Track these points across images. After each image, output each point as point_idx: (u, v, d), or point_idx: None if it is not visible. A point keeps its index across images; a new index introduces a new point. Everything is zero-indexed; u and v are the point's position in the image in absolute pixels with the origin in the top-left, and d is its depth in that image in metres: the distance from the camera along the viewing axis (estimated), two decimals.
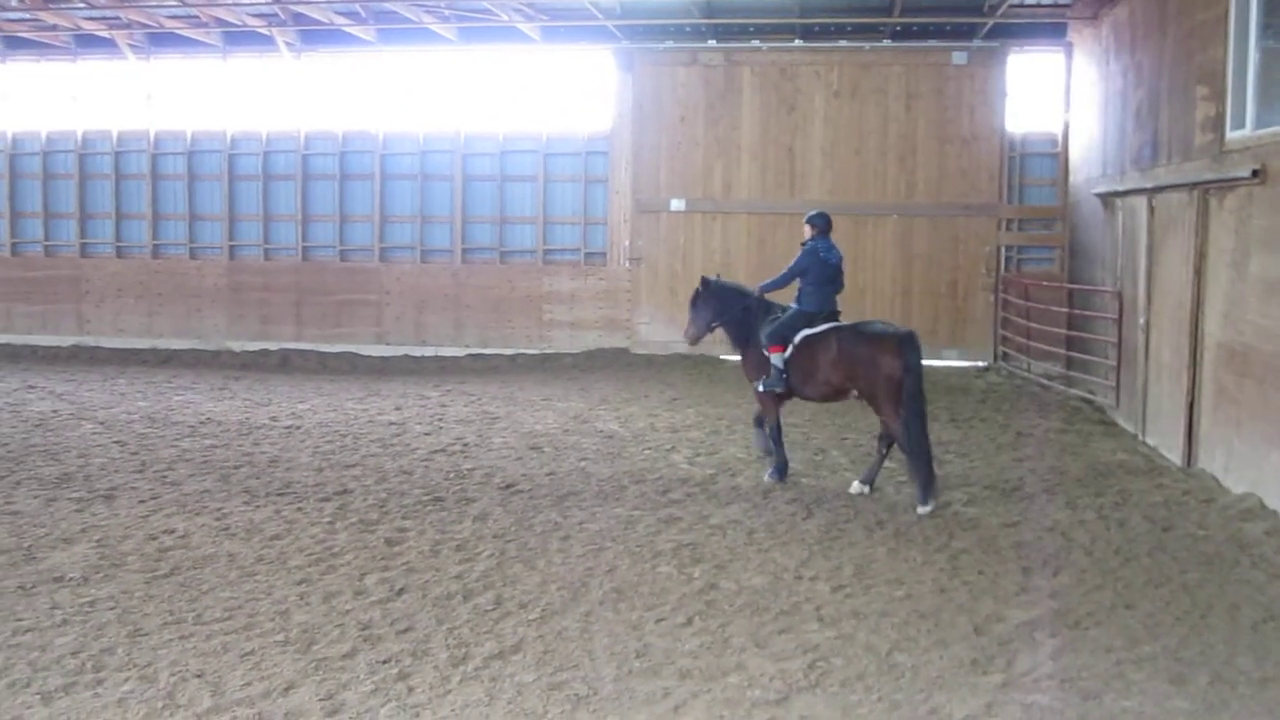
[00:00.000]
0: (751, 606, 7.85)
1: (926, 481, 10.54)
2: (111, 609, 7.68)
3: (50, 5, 19.27)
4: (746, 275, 19.83)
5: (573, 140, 20.87)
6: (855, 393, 11.20)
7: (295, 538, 9.37)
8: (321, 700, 6.25)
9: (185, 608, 7.69)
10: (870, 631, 7.40)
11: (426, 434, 13.88)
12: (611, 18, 19.33)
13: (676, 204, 20.23)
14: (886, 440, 11.15)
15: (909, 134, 19.91)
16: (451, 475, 11.67)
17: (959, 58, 19.73)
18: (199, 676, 6.55)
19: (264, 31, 20.46)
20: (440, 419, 14.89)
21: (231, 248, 21.87)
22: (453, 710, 6.16)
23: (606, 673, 6.67)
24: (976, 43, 19.56)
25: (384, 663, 6.76)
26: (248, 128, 21.87)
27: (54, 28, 20.89)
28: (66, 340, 22.12)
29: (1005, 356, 19.47)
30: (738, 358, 12.74)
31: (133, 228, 22.36)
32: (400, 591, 8.05)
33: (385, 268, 21.38)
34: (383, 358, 20.55)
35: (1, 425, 14.36)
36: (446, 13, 19.41)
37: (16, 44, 22.13)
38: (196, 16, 20.01)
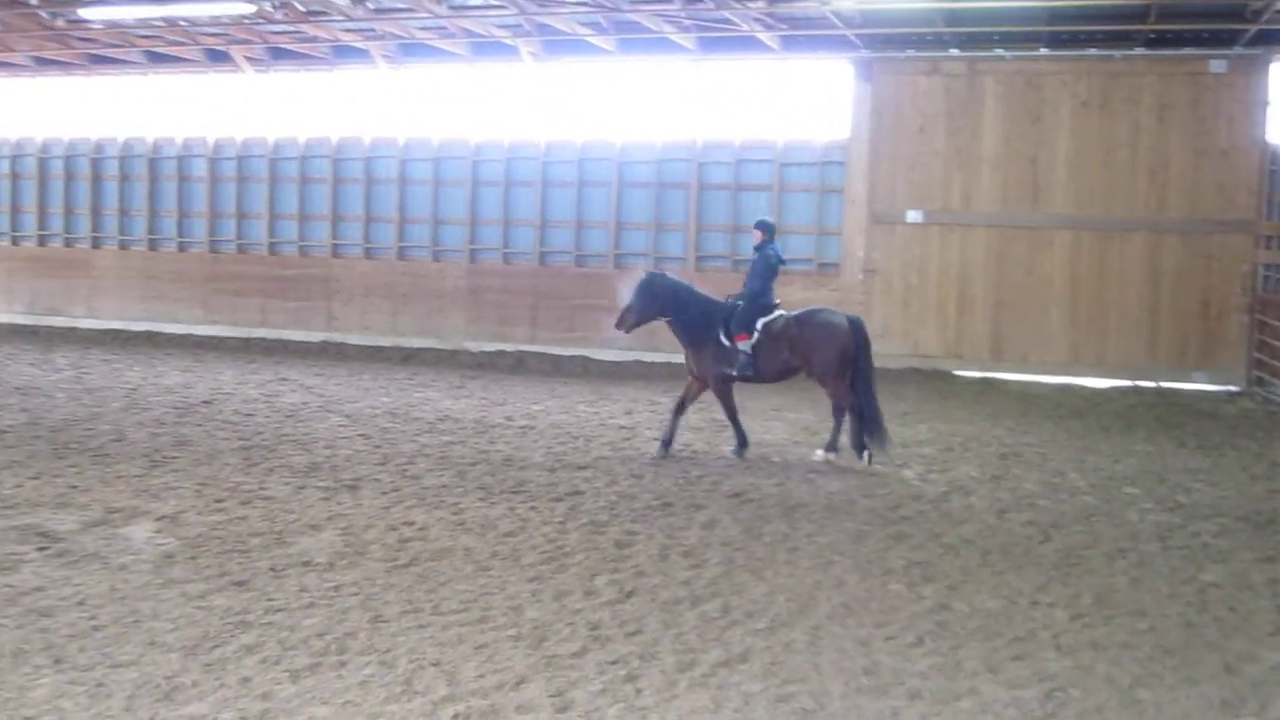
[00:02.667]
0: (985, 630, 7.62)
1: (878, 437, 12.49)
2: (355, 595, 7.98)
3: (311, 18, 20.26)
4: (985, 289, 19.51)
5: (809, 150, 20.77)
6: (805, 371, 13.02)
7: (528, 535, 9.58)
8: (551, 696, 6.35)
9: (423, 598, 7.94)
10: (1111, 664, 7.09)
11: (656, 439, 13.99)
12: (852, 27, 19.16)
13: (913, 215, 19.90)
14: (839, 411, 12.88)
15: (1160, 146, 19.10)
16: (680, 481, 11.73)
17: (1218, 66, 18.83)
18: (435, 665, 6.74)
19: (508, 42, 21.03)
20: None
21: (472, 251, 22.56)
22: (679, 715, 6.17)
23: (834, 688, 6.58)
24: (1237, 50, 18.63)
25: (613, 663, 6.83)
26: (491, 135, 22.53)
27: (314, 39, 21.95)
28: (316, 336, 23.19)
29: (1260, 381, 18.45)
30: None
31: (381, 230, 23.31)
32: (629, 594, 8.12)
33: (620, 274, 21.64)
34: (614, 362, 20.85)
35: (257, 415, 15.15)
36: (686, 22, 19.57)
37: (280, 54, 23.33)
38: (446, 27, 20.72)
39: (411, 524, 9.85)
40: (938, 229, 19.87)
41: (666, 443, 13.00)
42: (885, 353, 19.70)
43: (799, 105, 21.00)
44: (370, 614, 7.58)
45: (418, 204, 23.05)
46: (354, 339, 22.89)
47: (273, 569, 8.52)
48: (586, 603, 7.91)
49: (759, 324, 12.88)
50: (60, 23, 21.33)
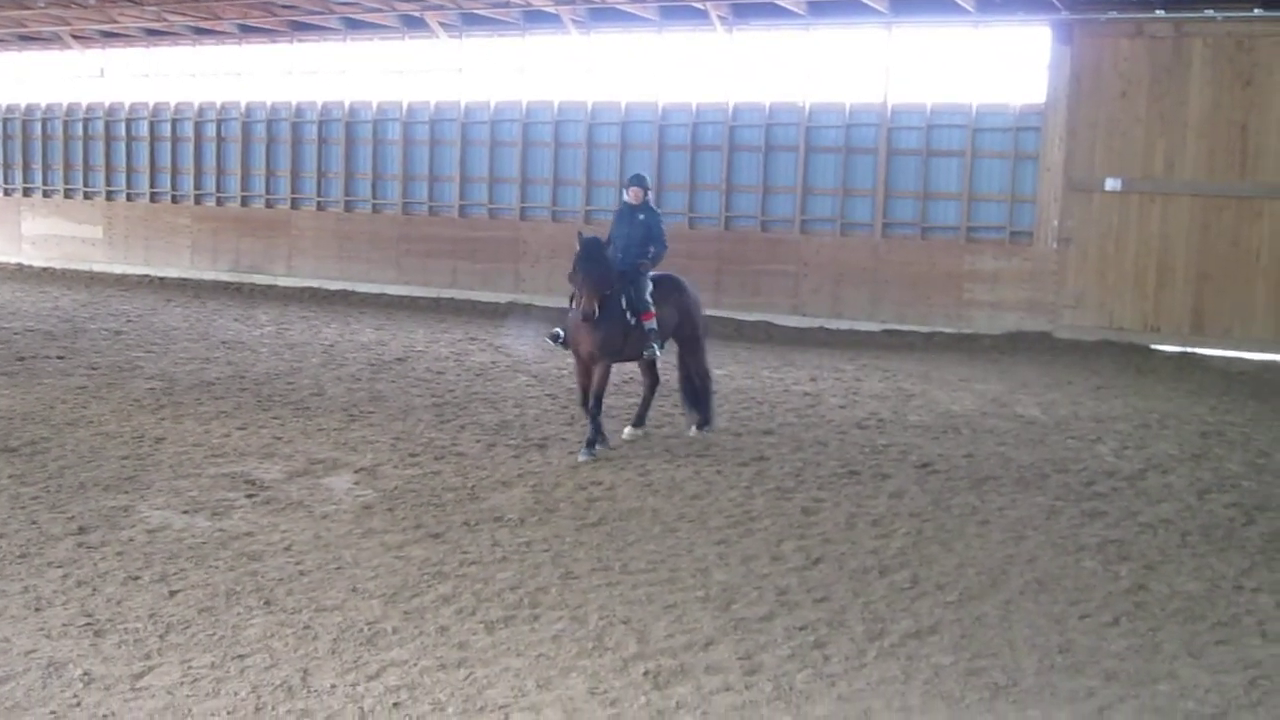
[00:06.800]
0: (1185, 613, 7.39)
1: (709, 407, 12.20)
2: (545, 551, 8.17)
3: None
4: (1187, 261, 18.72)
5: (1003, 115, 20.18)
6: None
7: (714, 499, 9.63)
8: (740, 659, 6.39)
9: (612, 556, 8.08)
10: None
11: (841, 407, 13.90)
12: None
13: (1112, 183, 19.19)
14: (655, 385, 12.19)
15: None
16: (867, 450, 11.63)
17: None
18: (625, 623, 6.86)
19: (699, 5, 20.98)
20: (855, 393, 14.87)
21: None
22: (868, 684, 6.15)
23: (1027, 665, 6.47)
24: None
25: (801, 629, 6.84)
26: (677, 100, 22.54)
27: (506, 4, 22.23)
28: (504, 297, 23.61)
29: None
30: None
31: (568, 193, 23.57)
32: (816, 561, 8.11)
33: (805, 240, 21.50)
34: (798, 329, 20.73)
35: (448, 373, 15.55)
36: None
37: (472, 20, 23.72)
38: None
39: (599, 484, 10.01)
40: (1138, 197, 19.13)
41: (592, 443, 11.10)
42: (1079, 325, 19.23)
43: (993, 69, 20.39)
44: (561, 570, 7.75)
45: (605, 167, 23.19)
46: (540, 300, 23.20)
47: (466, 523, 8.77)
48: (774, 568, 7.94)
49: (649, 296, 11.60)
50: None
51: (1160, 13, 18.93)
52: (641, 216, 11.80)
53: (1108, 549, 8.64)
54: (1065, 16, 19.28)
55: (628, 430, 11.98)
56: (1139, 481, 10.73)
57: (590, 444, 11.08)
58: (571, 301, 11.41)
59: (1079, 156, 19.41)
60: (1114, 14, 19.13)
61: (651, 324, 11.49)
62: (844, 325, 20.72)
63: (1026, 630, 6.97)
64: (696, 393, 12.20)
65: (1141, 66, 19.03)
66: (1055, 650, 6.69)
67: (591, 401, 11.19)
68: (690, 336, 12.17)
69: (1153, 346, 18.71)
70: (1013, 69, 20.17)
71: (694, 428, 12.13)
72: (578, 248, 11.02)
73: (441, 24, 23.71)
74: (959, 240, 20.41)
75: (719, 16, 21.26)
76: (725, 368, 16.56)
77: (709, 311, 21.08)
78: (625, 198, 12.01)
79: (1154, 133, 18.99)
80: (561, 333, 11.59)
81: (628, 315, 11.30)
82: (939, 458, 11.36)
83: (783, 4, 20.38)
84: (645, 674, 6.16)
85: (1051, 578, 7.95)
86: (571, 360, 12.12)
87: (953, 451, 11.66)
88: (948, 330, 20.05)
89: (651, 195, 12.18)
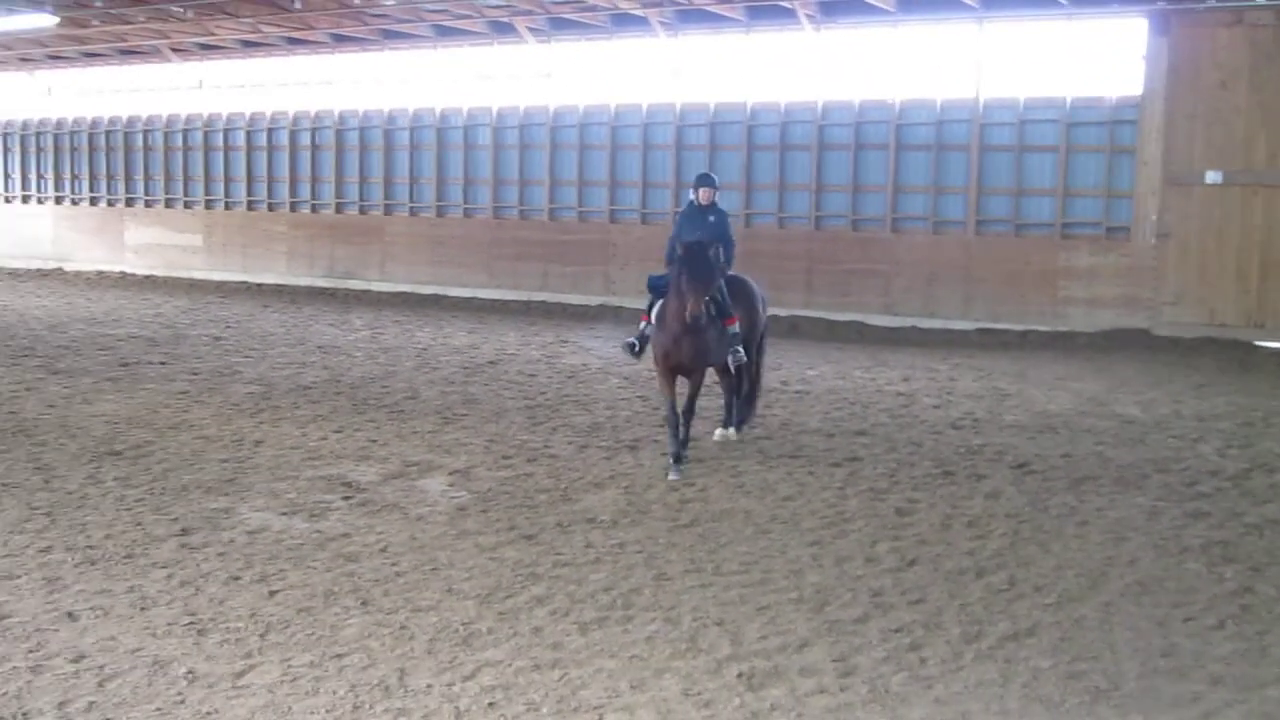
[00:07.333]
0: None
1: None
2: (638, 552, 8.17)
3: None
4: None
5: (1098, 108, 19.84)
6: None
7: (807, 500, 9.57)
8: (835, 661, 6.34)
9: (705, 558, 8.05)
10: None
11: (936, 407, 13.75)
12: None
13: (1212, 176, 18.76)
14: (738, 385, 11.71)
15: None
16: (962, 450, 11.48)
17: None
18: (719, 625, 6.83)
19: (786, 4, 20.88)
20: (949, 393, 14.70)
21: (748, 216, 22.55)
22: (966, 687, 6.07)
23: (1129, 668, 6.33)
24: None
25: (896, 631, 6.76)
26: (766, 99, 22.45)
27: (593, 8, 22.33)
28: (594, 300, 23.69)
29: None
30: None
31: (657, 195, 23.60)
32: (911, 562, 8.02)
33: (896, 238, 21.30)
34: (889, 328, 20.55)
35: (539, 375, 15.65)
36: None
37: (560, 25, 23.85)
38: None
39: (692, 485, 9.99)
40: (1239, 190, 18.68)
41: (680, 454, 10.60)
42: (1179, 321, 18.82)
43: (1086, 62, 20.05)
44: (654, 571, 7.75)
45: (694, 169, 22.98)
46: (630, 303, 23.22)
47: (559, 524, 8.81)
48: (868, 569, 7.86)
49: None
50: (357, 0, 22.42)
51: (1260, 0, 18.47)
52: (712, 218, 11.50)
53: (1212, 550, 8.44)
54: (1162, 7, 18.90)
55: (718, 432, 11.91)
56: (1244, 481, 10.46)
57: (678, 458, 10.56)
58: (650, 310, 11.27)
59: (1177, 149, 19.01)
60: (1213, 3, 18.72)
61: (735, 328, 11.05)
62: (937, 324, 20.50)
63: (1128, 633, 6.83)
64: (749, 392, 11.89)
65: (1241, 56, 18.59)
66: (1158, 654, 6.54)
67: (686, 409, 10.79)
68: (753, 338, 11.75)
69: (1256, 343, 18.27)
70: (1107, 61, 19.81)
71: (734, 427, 11.86)
72: (680, 253, 10.37)
73: (530, 29, 23.89)
74: (1054, 237, 20.09)
75: (807, 15, 21.15)
76: (817, 368, 16.51)
77: (800, 312, 21.26)
78: (692, 198, 11.73)
79: (1255, 123, 18.54)
80: (637, 342, 11.44)
81: (717, 321, 10.91)
82: (1036, 458, 11.18)
83: (871, 1, 20.22)
84: (739, 676, 6.13)
85: (1153, 580, 7.78)
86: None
87: (1050, 451, 11.47)
88: (1043, 328, 19.74)
89: (719, 195, 11.91)
